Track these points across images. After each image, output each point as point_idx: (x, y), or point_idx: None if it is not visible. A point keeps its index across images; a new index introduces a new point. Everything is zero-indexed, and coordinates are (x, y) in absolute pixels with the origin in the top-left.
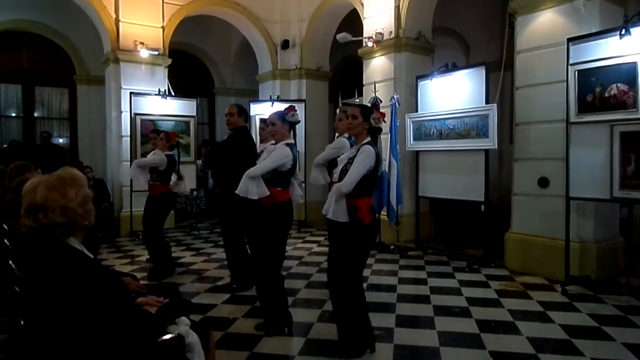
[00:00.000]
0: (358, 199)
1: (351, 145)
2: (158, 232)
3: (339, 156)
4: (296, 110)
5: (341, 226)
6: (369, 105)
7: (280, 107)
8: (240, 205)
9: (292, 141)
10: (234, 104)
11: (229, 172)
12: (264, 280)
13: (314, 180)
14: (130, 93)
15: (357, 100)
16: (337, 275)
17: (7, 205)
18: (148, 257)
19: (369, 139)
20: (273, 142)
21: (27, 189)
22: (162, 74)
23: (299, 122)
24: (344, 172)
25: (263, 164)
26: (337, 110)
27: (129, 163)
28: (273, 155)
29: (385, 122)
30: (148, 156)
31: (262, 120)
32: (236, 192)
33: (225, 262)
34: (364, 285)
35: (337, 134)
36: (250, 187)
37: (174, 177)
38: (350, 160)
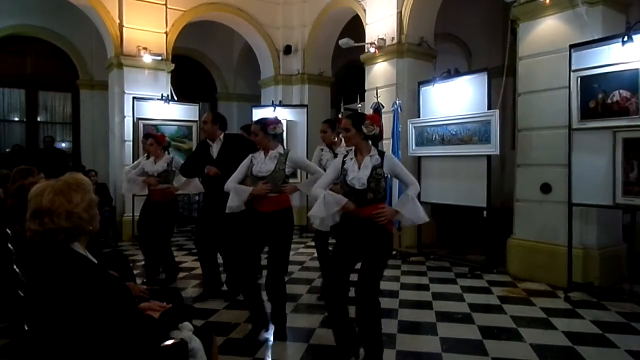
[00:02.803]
0: (383, 204)
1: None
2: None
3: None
4: (279, 123)
5: (372, 237)
6: (371, 110)
7: (282, 112)
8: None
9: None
10: (209, 111)
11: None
12: (278, 285)
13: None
14: (133, 98)
15: (359, 105)
16: (371, 290)
17: (9, 210)
18: (146, 264)
19: (371, 146)
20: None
21: (34, 194)
22: (165, 79)
23: (281, 132)
24: (377, 176)
25: (322, 176)
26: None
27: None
28: (308, 161)
29: (379, 126)
30: (147, 163)
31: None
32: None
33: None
34: None
35: (322, 147)
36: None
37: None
38: (377, 166)
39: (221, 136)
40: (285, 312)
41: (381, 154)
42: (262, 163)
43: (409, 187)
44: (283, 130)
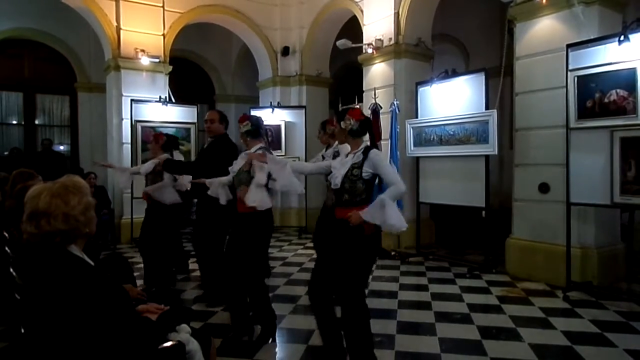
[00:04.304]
0: (362, 207)
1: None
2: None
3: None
4: (244, 120)
5: (342, 239)
6: (369, 111)
7: (280, 113)
8: (219, 213)
9: (262, 144)
10: (214, 110)
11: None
12: (253, 291)
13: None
14: (131, 100)
15: (358, 107)
16: (349, 294)
17: (7, 212)
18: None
19: (364, 143)
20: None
21: (31, 196)
22: (162, 81)
23: (250, 130)
24: (352, 177)
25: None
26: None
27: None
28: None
29: (358, 120)
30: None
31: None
32: (257, 206)
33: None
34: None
35: (327, 147)
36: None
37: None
38: (356, 165)
39: (214, 136)
40: (269, 315)
41: (366, 150)
42: (236, 162)
43: (388, 189)
44: (251, 130)
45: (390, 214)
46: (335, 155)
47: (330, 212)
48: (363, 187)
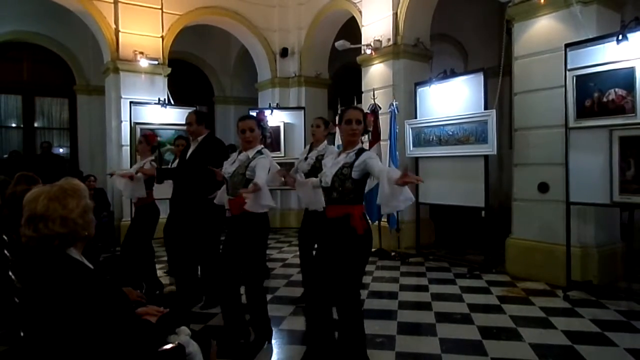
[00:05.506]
0: (352, 206)
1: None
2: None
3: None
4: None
5: (334, 239)
6: (368, 111)
7: (279, 114)
8: (211, 216)
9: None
10: (191, 111)
11: (201, 183)
12: (251, 294)
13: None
14: (130, 102)
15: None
16: (344, 294)
17: (6, 216)
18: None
19: (359, 145)
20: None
21: (28, 199)
22: (161, 83)
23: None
24: (341, 176)
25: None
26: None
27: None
28: (265, 166)
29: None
30: (136, 167)
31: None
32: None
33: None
34: (365, 292)
35: (310, 146)
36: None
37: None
38: (347, 165)
39: (199, 137)
40: (265, 319)
41: (359, 151)
42: (231, 163)
43: (381, 178)
44: (242, 131)
45: (399, 193)
46: (320, 158)
47: (320, 212)
48: (352, 186)
